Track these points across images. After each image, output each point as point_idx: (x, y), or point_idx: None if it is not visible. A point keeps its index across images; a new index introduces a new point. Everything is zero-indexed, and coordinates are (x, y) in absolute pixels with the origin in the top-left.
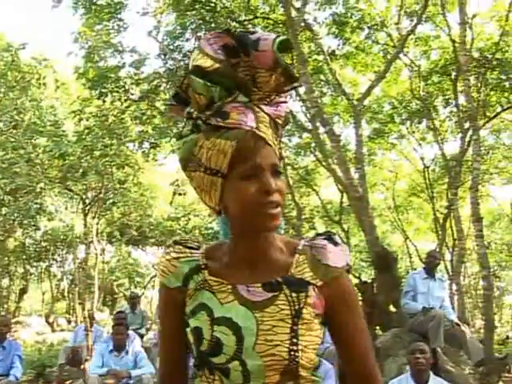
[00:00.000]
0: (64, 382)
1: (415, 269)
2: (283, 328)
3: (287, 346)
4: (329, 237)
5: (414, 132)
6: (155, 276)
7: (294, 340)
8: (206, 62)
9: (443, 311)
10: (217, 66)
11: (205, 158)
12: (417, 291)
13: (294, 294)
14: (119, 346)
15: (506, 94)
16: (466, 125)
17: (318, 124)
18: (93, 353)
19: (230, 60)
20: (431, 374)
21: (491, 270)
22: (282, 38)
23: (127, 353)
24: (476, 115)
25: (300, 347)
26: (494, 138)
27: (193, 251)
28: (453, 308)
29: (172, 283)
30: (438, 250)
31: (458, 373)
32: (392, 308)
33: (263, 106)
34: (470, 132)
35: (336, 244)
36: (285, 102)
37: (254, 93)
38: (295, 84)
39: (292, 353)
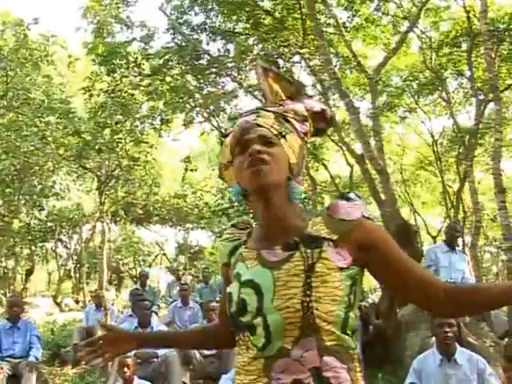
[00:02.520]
0: (80, 362)
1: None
2: (297, 282)
3: (300, 298)
4: (342, 195)
5: (425, 105)
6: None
7: (308, 292)
8: None
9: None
10: None
11: (222, 158)
12: (439, 265)
13: (308, 251)
14: (144, 322)
15: None
16: (481, 96)
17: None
18: None
19: None
20: (457, 346)
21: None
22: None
23: (152, 329)
24: (497, 85)
25: (313, 298)
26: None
27: (241, 231)
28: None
29: (222, 260)
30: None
31: (480, 345)
32: None
33: (270, 108)
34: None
35: (348, 200)
36: (296, 103)
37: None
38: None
39: (305, 304)
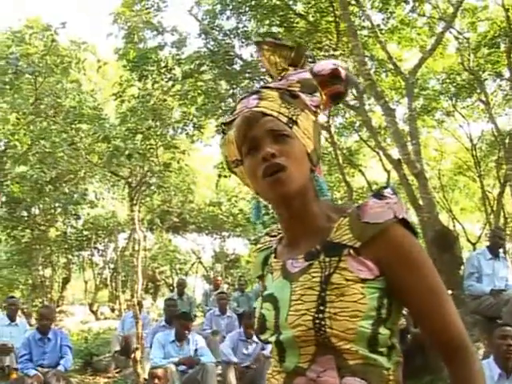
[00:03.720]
0: (113, 370)
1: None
2: (310, 296)
3: (312, 314)
4: (377, 192)
5: (463, 108)
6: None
7: (321, 308)
8: None
9: None
10: None
11: (227, 154)
12: (482, 272)
13: (326, 259)
14: (182, 336)
15: None
16: None
17: (365, 101)
18: (142, 341)
19: None
20: None
21: None
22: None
23: (188, 343)
24: None
25: (327, 315)
26: None
27: (272, 238)
28: None
29: (256, 272)
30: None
31: None
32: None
33: (273, 84)
34: None
35: (381, 198)
36: (300, 72)
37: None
38: (301, 54)
39: (317, 321)
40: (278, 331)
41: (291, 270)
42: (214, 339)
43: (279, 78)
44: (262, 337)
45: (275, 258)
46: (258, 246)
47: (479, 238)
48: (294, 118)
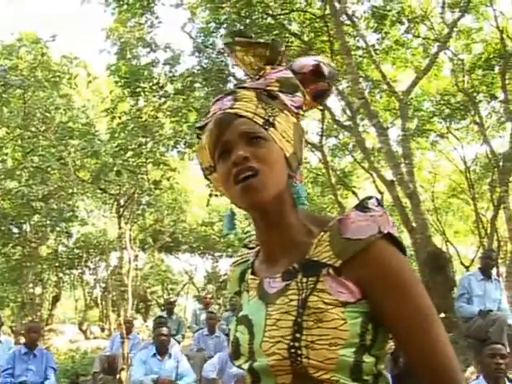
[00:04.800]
0: None
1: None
2: (286, 322)
3: (287, 342)
4: (360, 203)
5: (457, 129)
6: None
7: (297, 335)
8: None
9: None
10: None
11: (201, 161)
12: (472, 293)
13: (304, 280)
14: (162, 349)
15: None
16: None
17: (358, 121)
18: (129, 361)
19: None
20: (507, 381)
21: None
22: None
23: (170, 356)
24: None
25: (303, 343)
26: None
27: (250, 251)
28: None
29: (232, 289)
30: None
31: None
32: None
33: (249, 84)
34: None
35: (364, 210)
36: (280, 71)
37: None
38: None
39: (293, 350)
40: (253, 358)
41: (268, 291)
42: (199, 356)
43: (257, 77)
44: (236, 362)
45: (252, 273)
46: (235, 259)
47: (472, 260)
48: (270, 119)
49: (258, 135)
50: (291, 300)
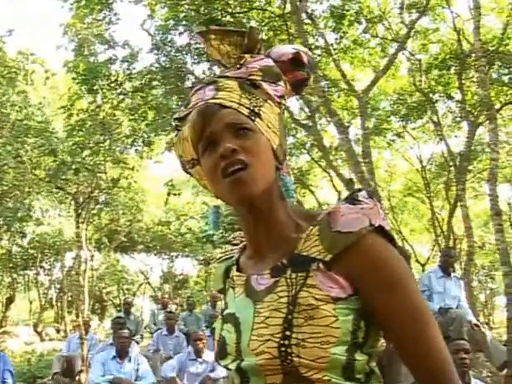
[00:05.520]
0: None
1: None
2: (276, 319)
3: (277, 340)
4: (349, 196)
5: (413, 129)
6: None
7: (287, 333)
8: None
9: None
10: None
11: (182, 154)
12: (432, 291)
13: (293, 276)
14: (123, 352)
15: (505, 89)
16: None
17: (317, 120)
18: (87, 362)
19: None
20: (471, 375)
21: (486, 271)
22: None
23: (130, 360)
24: (492, 103)
25: (294, 341)
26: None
27: (234, 248)
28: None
29: (216, 286)
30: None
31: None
32: None
33: (231, 73)
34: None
35: (355, 202)
36: (262, 59)
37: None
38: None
39: (283, 349)
40: (240, 357)
41: (256, 288)
42: (157, 357)
43: (238, 66)
44: (223, 362)
45: (238, 270)
46: (219, 255)
47: (428, 259)
48: (256, 109)
49: (244, 126)
50: (281, 297)
